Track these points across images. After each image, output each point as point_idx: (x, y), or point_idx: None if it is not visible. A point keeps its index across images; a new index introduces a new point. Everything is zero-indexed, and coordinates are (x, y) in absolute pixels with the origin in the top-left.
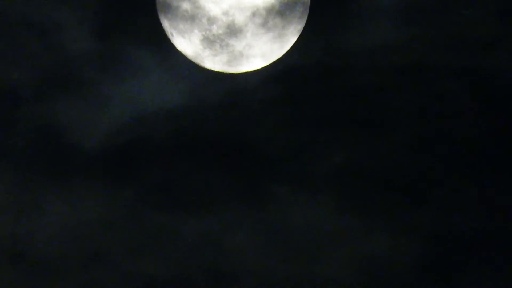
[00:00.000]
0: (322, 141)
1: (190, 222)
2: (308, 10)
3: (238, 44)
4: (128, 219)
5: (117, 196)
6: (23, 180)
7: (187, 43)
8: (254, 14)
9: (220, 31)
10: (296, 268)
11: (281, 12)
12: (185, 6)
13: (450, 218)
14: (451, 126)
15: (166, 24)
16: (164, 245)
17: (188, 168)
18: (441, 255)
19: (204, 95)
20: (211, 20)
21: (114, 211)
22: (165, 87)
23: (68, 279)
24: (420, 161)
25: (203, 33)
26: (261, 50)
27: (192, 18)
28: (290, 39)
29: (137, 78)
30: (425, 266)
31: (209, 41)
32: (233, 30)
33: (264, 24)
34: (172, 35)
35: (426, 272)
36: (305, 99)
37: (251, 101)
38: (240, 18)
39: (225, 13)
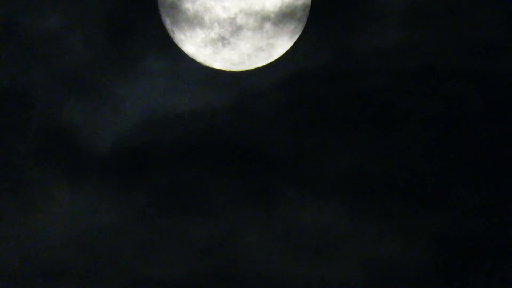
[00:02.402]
0: (332, 144)
1: (200, 226)
2: (309, 9)
3: (239, 43)
4: (138, 223)
5: (127, 199)
6: (35, 182)
7: (188, 41)
8: (256, 13)
9: (222, 30)
10: (305, 272)
11: (282, 11)
12: (187, 4)
13: (461, 221)
14: (460, 129)
15: (167, 21)
16: (173, 249)
17: (197, 171)
18: (451, 259)
19: (214, 99)
20: (213, 19)
21: (123, 215)
22: (175, 91)
23: (78, 282)
24: (429, 165)
25: (205, 31)
26: (262, 48)
27: (194, 16)
28: (292, 37)
29: (148, 81)
30: (435, 269)
31: (211, 39)
32: (234, 29)
33: (266, 23)
34: (173, 32)
35: (437, 276)
36: (314, 102)
37: (260, 105)
38: (241, 17)
39: (227, 12)
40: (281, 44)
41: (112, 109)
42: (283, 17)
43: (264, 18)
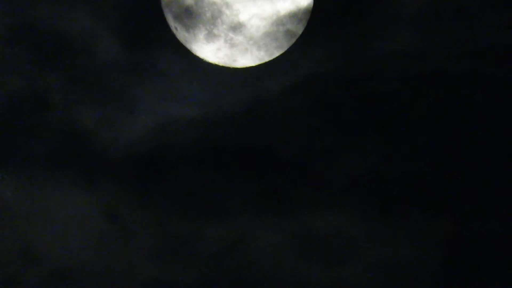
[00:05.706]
0: (343, 148)
1: (212, 229)
2: (310, 11)
3: (241, 39)
4: (151, 226)
5: (140, 203)
6: (49, 185)
7: (191, 37)
8: (257, 11)
9: (224, 26)
10: (317, 275)
11: (285, 11)
12: (189, 0)
13: (472, 224)
14: (471, 133)
15: (170, 18)
16: (186, 252)
17: (210, 175)
18: (463, 261)
19: (226, 103)
20: (215, 15)
21: (137, 218)
22: (189, 94)
23: (92, 285)
24: (441, 168)
25: (208, 27)
26: (264, 44)
27: (197, 12)
28: (295, 34)
29: (162, 85)
30: (447, 272)
31: (213, 35)
32: (237, 25)
33: (268, 19)
34: (176, 29)
35: (449, 278)
36: (326, 106)
37: (272, 109)
38: (244, 13)
39: (229, 8)
40: (283, 41)
41: (127, 113)
42: (285, 15)
43: (266, 15)
